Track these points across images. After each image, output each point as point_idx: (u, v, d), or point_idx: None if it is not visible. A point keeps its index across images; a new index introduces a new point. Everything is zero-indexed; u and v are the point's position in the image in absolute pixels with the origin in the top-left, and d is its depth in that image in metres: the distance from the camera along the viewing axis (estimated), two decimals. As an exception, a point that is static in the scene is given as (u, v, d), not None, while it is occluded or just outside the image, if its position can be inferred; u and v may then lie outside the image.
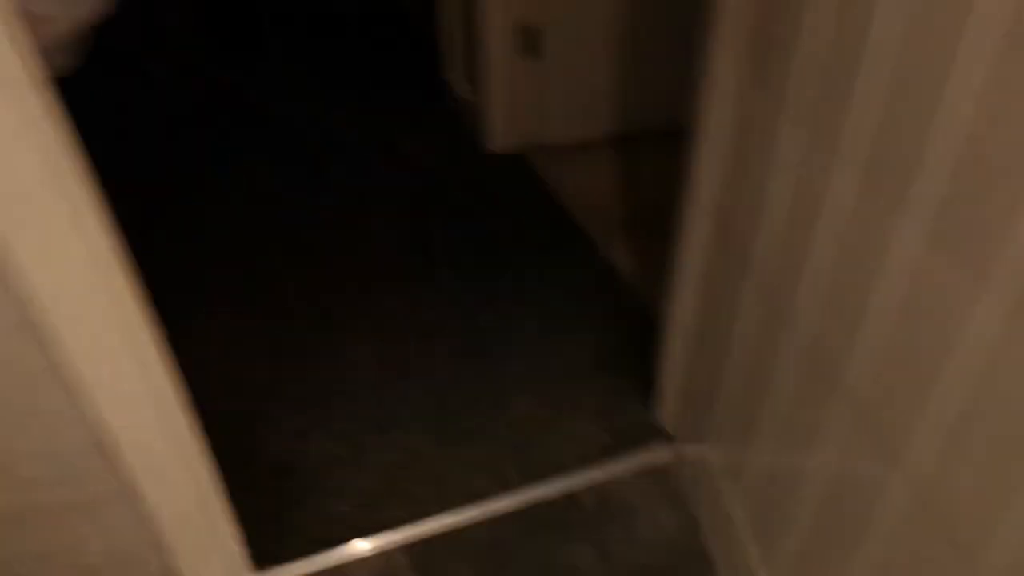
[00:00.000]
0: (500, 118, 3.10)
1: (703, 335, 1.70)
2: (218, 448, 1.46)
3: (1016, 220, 0.75)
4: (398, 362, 2.20)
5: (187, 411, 1.31)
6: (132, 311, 1.14)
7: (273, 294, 2.45)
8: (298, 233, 2.74)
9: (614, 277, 2.54)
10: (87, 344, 1.07)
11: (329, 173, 3.05)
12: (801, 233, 1.18)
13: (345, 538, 1.76)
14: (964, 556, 0.89)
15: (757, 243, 1.34)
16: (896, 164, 0.93)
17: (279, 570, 1.70)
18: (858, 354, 1.06)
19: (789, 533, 1.35)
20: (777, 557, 1.41)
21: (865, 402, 1.06)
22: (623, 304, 2.42)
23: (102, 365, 1.11)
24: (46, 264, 0.98)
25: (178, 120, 3.42)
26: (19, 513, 1.23)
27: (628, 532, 1.79)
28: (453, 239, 2.72)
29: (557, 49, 2.98)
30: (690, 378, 1.82)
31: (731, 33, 1.33)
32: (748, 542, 1.52)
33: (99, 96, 3.28)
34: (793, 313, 1.24)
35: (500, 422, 2.04)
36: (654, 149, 3.14)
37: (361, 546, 1.75)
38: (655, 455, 1.96)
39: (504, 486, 1.88)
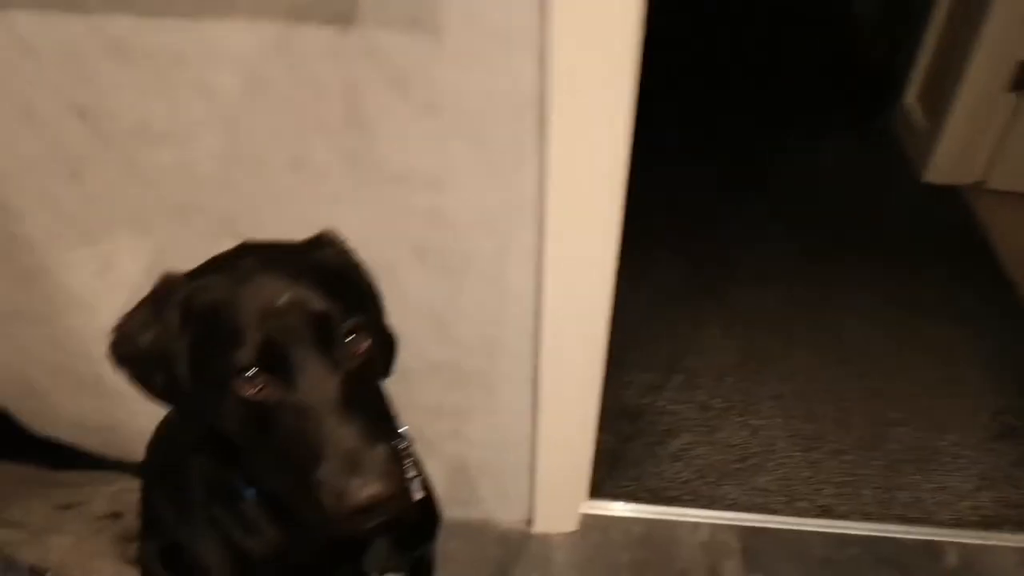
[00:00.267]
0: (956, 150, 2.78)
1: None
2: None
3: None
4: (769, 356, 2.13)
5: (604, 341, 1.40)
6: (610, 240, 1.25)
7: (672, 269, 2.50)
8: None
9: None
10: (566, 251, 1.22)
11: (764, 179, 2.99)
12: None
13: (680, 500, 1.77)
14: None
15: None
16: None
17: (611, 505, 1.76)
18: None
19: None
20: None
21: None
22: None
23: (568, 273, 1.25)
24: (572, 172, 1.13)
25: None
26: (436, 365, 1.43)
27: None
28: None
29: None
30: None
31: None
32: None
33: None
34: None
35: (877, 447, 1.88)
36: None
37: (694, 513, 1.75)
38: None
39: (858, 508, 1.73)
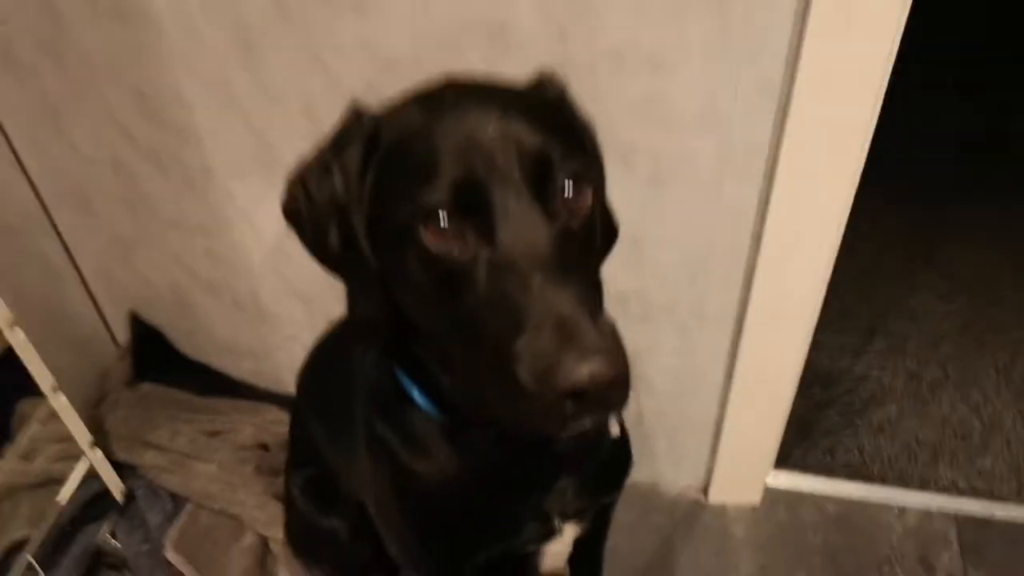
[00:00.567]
0: None
1: None
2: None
3: None
4: (993, 325, 1.84)
5: (827, 276, 1.19)
6: (856, 148, 1.03)
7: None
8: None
9: None
10: (808, 158, 1.02)
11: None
12: None
13: (883, 479, 1.53)
14: None
15: None
16: None
17: (801, 479, 1.54)
18: None
19: None
20: None
21: None
22: None
23: (806, 186, 1.05)
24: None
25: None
26: (622, 297, 1.25)
27: None
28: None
29: None
30: None
31: None
32: None
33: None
34: None
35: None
36: None
37: (901, 495, 1.50)
38: None
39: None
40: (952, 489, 1.50)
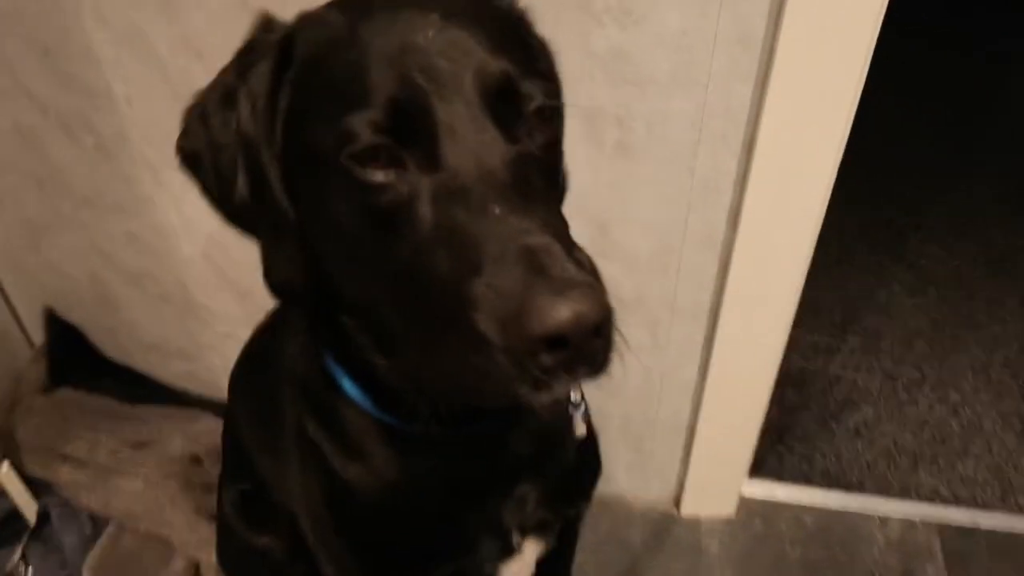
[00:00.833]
0: None
1: None
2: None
3: None
4: (968, 321, 1.78)
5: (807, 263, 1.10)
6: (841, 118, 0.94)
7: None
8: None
9: None
10: (792, 121, 0.93)
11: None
12: None
13: (863, 487, 1.45)
14: None
15: None
16: None
17: (777, 488, 1.44)
18: None
19: None
20: None
21: None
22: None
23: (788, 157, 0.96)
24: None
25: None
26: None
27: None
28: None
29: None
30: None
31: None
32: None
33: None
34: None
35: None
36: None
37: (882, 504, 1.42)
38: None
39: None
40: (935, 497, 1.43)
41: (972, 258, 1.94)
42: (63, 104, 1.09)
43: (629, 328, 1.14)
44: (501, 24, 0.55)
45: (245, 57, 0.55)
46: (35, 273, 1.41)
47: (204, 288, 1.30)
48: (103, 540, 1.31)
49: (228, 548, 1.17)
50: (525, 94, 0.51)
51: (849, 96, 0.90)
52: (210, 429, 1.40)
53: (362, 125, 0.48)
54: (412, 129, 0.48)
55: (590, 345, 0.43)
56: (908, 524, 1.39)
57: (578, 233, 0.53)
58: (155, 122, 1.08)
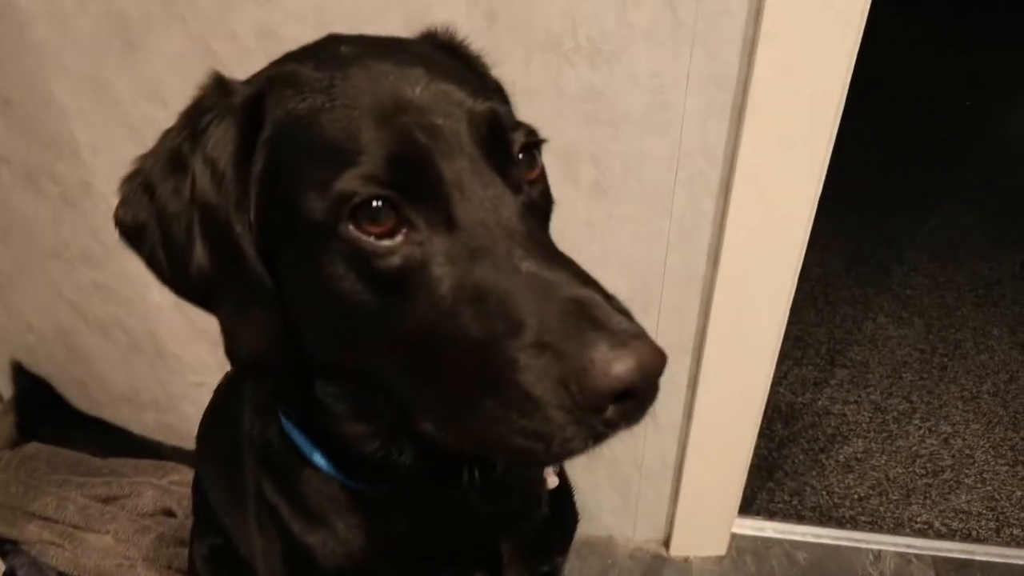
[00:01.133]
0: None
1: None
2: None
3: None
4: (956, 351, 1.77)
5: (790, 296, 1.08)
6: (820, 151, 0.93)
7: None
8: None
9: None
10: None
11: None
12: None
13: (855, 522, 1.42)
14: None
15: None
16: None
17: (768, 525, 1.41)
18: None
19: None
20: None
21: None
22: None
23: (764, 195, 0.94)
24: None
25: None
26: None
27: None
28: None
29: None
30: None
31: None
32: None
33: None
34: None
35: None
36: None
37: (875, 539, 1.39)
38: None
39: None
40: (928, 531, 1.40)
41: (957, 287, 1.93)
42: (26, 155, 1.06)
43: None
44: (464, 66, 0.55)
45: (195, 120, 0.51)
46: (1, 326, 1.37)
47: (175, 337, 1.27)
48: (72, 599, 1.26)
49: (199, 605, 1.12)
50: (509, 129, 0.50)
51: (826, 131, 0.88)
52: (184, 480, 1.36)
53: (358, 181, 0.45)
54: (415, 187, 0.46)
55: (647, 394, 0.42)
56: (902, 558, 1.36)
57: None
58: (119, 170, 1.04)
